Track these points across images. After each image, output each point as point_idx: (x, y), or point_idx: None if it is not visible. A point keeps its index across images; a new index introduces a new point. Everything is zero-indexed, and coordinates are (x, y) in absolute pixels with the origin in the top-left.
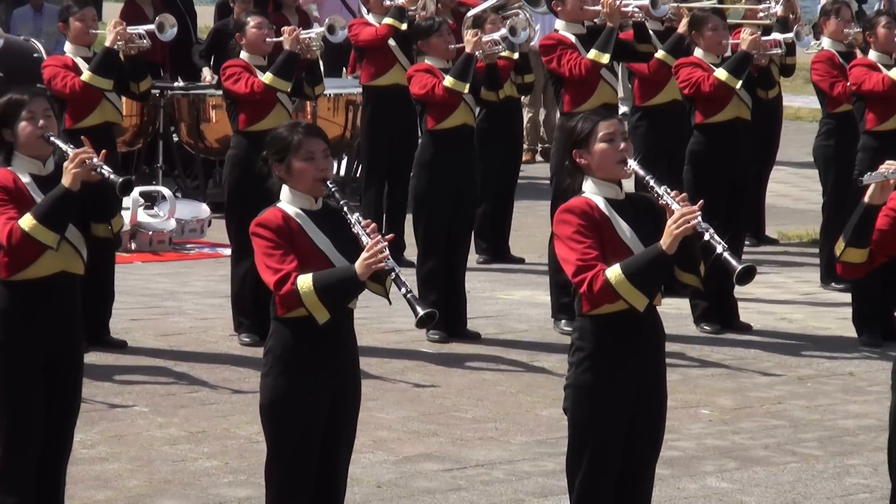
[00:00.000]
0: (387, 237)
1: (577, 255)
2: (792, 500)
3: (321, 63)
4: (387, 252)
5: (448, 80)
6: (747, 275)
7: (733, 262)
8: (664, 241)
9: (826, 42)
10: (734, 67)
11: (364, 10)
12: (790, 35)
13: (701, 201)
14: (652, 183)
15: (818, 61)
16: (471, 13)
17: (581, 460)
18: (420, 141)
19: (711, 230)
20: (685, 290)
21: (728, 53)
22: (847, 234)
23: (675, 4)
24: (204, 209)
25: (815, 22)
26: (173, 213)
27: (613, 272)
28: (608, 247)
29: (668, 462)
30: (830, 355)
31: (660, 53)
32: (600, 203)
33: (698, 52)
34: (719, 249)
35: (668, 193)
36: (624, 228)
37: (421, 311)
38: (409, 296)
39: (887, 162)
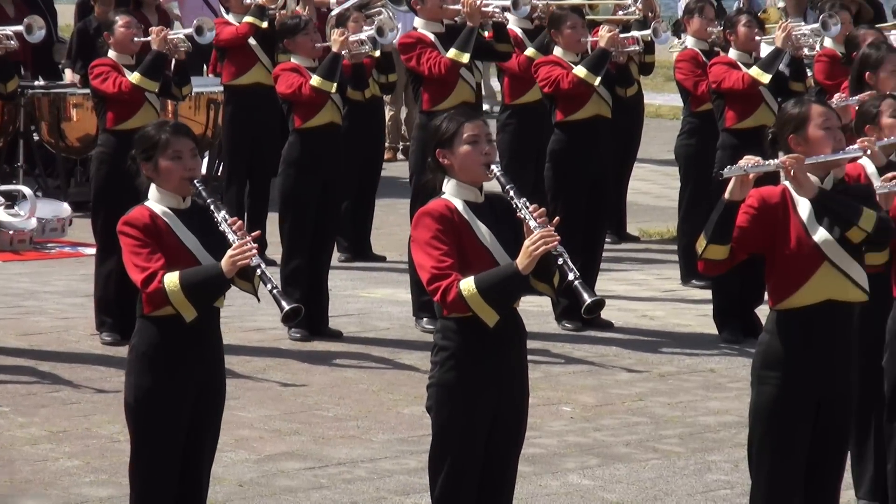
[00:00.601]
0: (253, 234)
1: (432, 261)
2: (653, 497)
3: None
4: (254, 249)
5: (315, 80)
6: (596, 307)
7: (584, 294)
8: (520, 261)
9: (689, 41)
10: (592, 65)
11: (223, 10)
12: (648, 33)
13: (557, 219)
14: (512, 194)
15: (682, 60)
16: (334, 11)
17: (444, 458)
18: (288, 140)
19: (566, 255)
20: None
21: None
22: (708, 230)
23: (539, 3)
24: (65, 208)
25: (676, 20)
26: (34, 212)
27: (467, 285)
28: (468, 250)
29: (530, 459)
30: (691, 352)
31: (529, 51)
32: (459, 206)
33: (558, 51)
34: (571, 277)
35: (527, 208)
36: (483, 232)
37: (287, 306)
38: (274, 291)
39: (746, 157)
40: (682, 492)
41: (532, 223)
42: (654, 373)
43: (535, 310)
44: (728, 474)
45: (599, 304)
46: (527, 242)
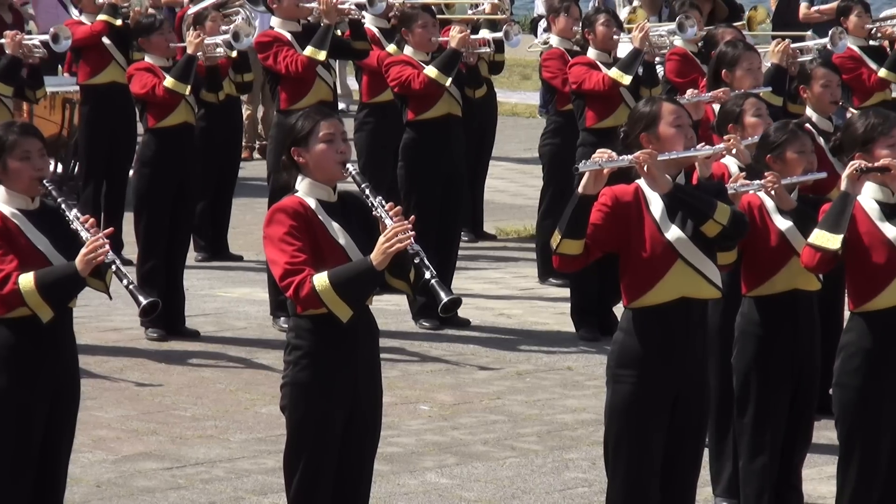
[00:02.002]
0: (106, 231)
1: (286, 257)
2: (511, 495)
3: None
4: (107, 247)
5: (169, 81)
6: (453, 306)
7: (441, 293)
8: (375, 257)
9: (554, 39)
10: (443, 65)
11: (74, 11)
12: (500, 35)
13: (413, 217)
14: (367, 192)
15: (549, 58)
16: (191, 10)
17: (299, 458)
18: (141, 139)
19: (422, 254)
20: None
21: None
22: (562, 225)
23: (395, 1)
24: None
25: (533, 18)
26: None
27: (320, 280)
28: (322, 249)
29: (388, 458)
30: (549, 350)
31: (391, 48)
32: (312, 204)
33: (408, 50)
34: (428, 276)
35: (383, 206)
36: (337, 230)
37: (144, 301)
38: (131, 287)
39: (600, 151)
40: (539, 490)
41: (388, 221)
42: (512, 371)
43: (393, 308)
44: (586, 472)
45: (456, 302)
46: (381, 239)
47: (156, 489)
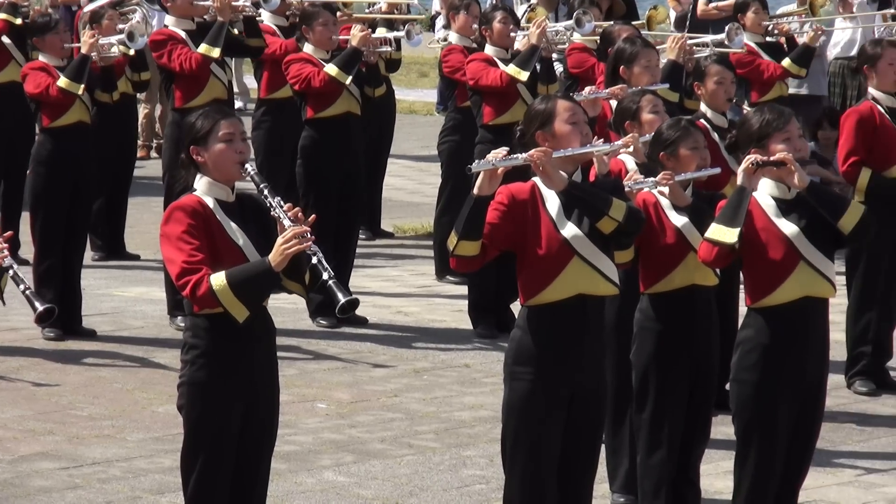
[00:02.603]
0: (5, 234)
1: (183, 256)
2: (409, 493)
3: None
4: (4, 250)
5: (62, 81)
6: (350, 307)
7: (338, 293)
8: (273, 258)
9: (453, 37)
10: (344, 63)
11: None
12: (401, 34)
13: (313, 216)
14: (266, 192)
15: (450, 53)
16: (87, 9)
17: (196, 457)
18: (36, 139)
19: (320, 255)
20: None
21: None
22: (458, 226)
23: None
24: None
25: (430, 16)
26: None
27: (218, 280)
28: (220, 249)
29: (285, 457)
30: (446, 347)
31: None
32: (210, 204)
33: (308, 48)
34: (325, 277)
35: (281, 207)
36: (234, 230)
37: (40, 307)
38: (27, 292)
39: (495, 151)
40: (437, 487)
41: (286, 222)
42: (409, 369)
43: (290, 307)
44: (483, 469)
45: (353, 303)
46: (280, 240)
47: (52, 489)
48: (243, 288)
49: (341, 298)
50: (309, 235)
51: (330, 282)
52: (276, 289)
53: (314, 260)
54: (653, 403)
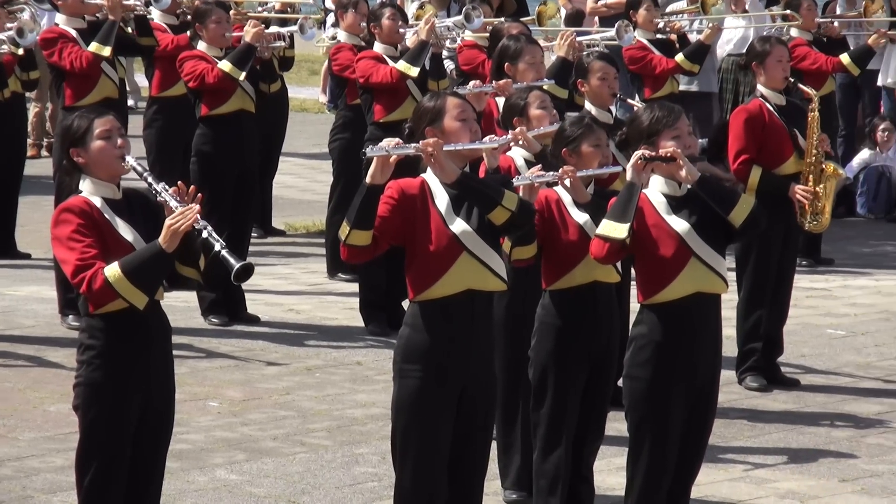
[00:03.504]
0: (198, 198)
1: (76, 254)
2: (301, 490)
3: None
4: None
5: None
6: (245, 273)
7: (231, 259)
8: (162, 239)
9: (342, 35)
10: (238, 60)
11: None
12: (294, 28)
13: (199, 195)
14: (150, 180)
15: (339, 51)
16: None
17: (91, 458)
18: None
19: (210, 228)
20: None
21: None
22: (351, 216)
23: None
24: None
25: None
26: None
27: (112, 270)
28: (110, 246)
29: (178, 455)
30: (338, 345)
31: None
32: (98, 203)
33: (202, 46)
34: (217, 247)
35: (167, 190)
36: (123, 227)
37: (237, 265)
38: (223, 252)
39: (388, 139)
40: (329, 485)
41: (173, 203)
42: (301, 366)
43: (181, 305)
44: (375, 467)
45: (248, 269)
46: (168, 220)
47: None
48: (138, 274)
49: (235, 264)
50: (197, 211)
51: (223, 252)
52: (170, 285)
53: (204, 234)
54: (552, 400)
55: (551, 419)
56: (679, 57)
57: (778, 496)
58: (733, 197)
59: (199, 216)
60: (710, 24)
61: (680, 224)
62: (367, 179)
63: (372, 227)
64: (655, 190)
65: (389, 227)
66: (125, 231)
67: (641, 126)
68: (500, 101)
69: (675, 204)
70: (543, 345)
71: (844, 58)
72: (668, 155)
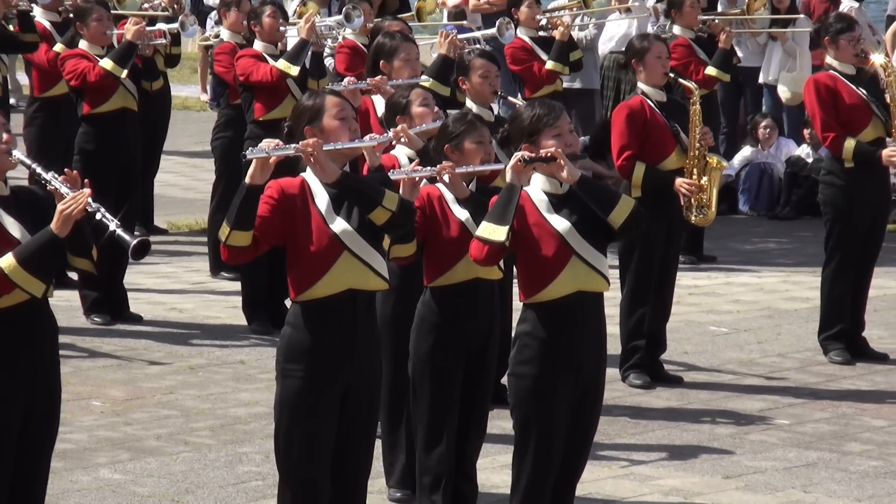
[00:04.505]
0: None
1: None
2: (185, 490)
3: None
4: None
5: None
6: (142, 248)
7: (126, 237)
8: (55, 224)
9: (225, 34)
10: (119, 57)
11: None
12: (175, 26)
13: (87, 181)
14: (39, 170)
15: (221, 53)
16: None
17: None
18: None
19: (103, 209)
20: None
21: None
22: (231, 216)
23: None
24: None
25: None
26: None
27: (6, 261)
28: (1, 243)
29: (61, 455)
30: (221, 344)
31: (58, 46)
32: None
33: (83, 44)
34: (112, 227)
35: (56, 178)
36: (10, 223)
37: (132, 241)
38: (118, 230)
39: (267, 140)
40: (213, 484)
41: (63, 190)
42: (184, 365)
43: (64, 304)
44: (259, 465)
45: (145, 244)
46: (60, 206)
47: None
48: (32, 262)
49: (132, 241)
50: (88, 195)
51: (118, 231)
52: (63, 274)
53: (98, 216)
54: (430, 397)
55: (431, 416)
56: (549, 63)
57: (661, 493)
58: (613, 198)
59: (90, 199)
60: (561, 23)
61: (561, 223)
62: (247, 180)
63: (252, 227)
64: (537, 188)
65: (270, 228)
66: (13, 227)
67: (522, 124)
68: (377, 99)
69: (557, 202)
70: (422, 341)
71: (710, 70)
72: (549, 155)
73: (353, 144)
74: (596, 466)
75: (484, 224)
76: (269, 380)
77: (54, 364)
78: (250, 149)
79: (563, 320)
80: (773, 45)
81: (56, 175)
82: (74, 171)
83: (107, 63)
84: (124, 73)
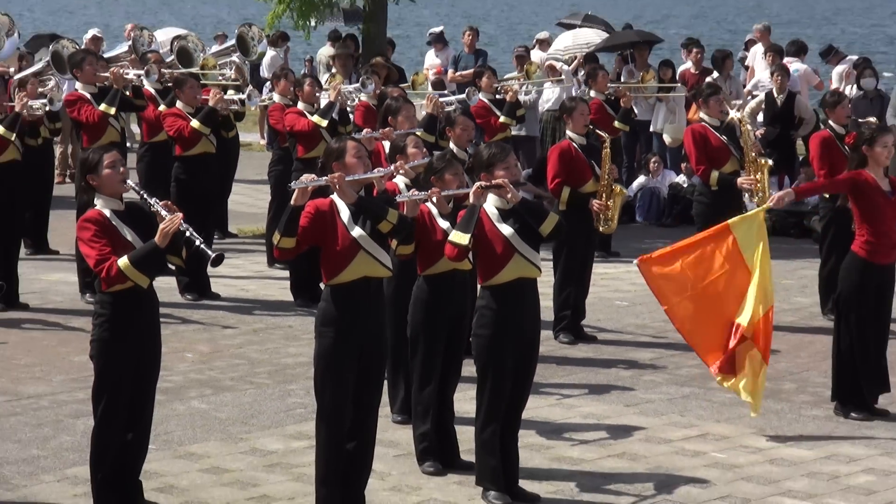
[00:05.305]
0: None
1: (96, 252)
2: (251, 415)
3: None
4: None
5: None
6: (218, 259)
7: (208, 251)
8: (157, 238)
9: (276, 97)
10: (205, 118)
11: None
12: (244, 96)
13: (178, 208)
14: (145, 196)
15: (274, 111)
16: (16, 77)
17: (102, 392)
18: None
19: (191, 229)
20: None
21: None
22: (281, 227)
23: (166, 72)
24: None
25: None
26: None
27: (123, 262)
28: (117, 244)
29: (163, 391)
30: (275, 314)
31: (162, 107)
32: (108, 213)
33: (180, 104)
34: (197, 242)
35: (158, 203)
36: (126, 231)
37: (212, 255)
38: (201, 245)
39: (306, 174)
40: (270, 411)
41: (163, 213)
42: (250, 329)
43: (166, 286)
44: (302, 398)
45: (220, 257)
46: (161, 225)
47: (1, 415)
48: (141, 263)
49: (211, 255)
50: (181, 218)
51: (201, 245)
52: (163, 270)
53: (188, 233)
54: (422, 353)
55: (423, 365)
56: (502, 118)
57: (581, 416)
58: (544, 214)
59: (182, 221)
60: (511, 89)
61: (507, 230)
62: (292, 202)
63: (296, 234)
64: (491, 204)
65: (308, 235)
66: (128, 234)
67: (482, 159)
68: (386, 143)
69: (504, 215)
70: (417, 313)
71: (616, 123)
72: (500, 183)
73: (367, 176)
74: (535, 398)
75: (454, 232)
76: (309, 339)
77: (156, 328)
78: (294, 182)
79: (509, 297)
80: (660, 105)
81: (158, 200)
82: (169, 202)
83: (195, 123)
84: (208, 131)
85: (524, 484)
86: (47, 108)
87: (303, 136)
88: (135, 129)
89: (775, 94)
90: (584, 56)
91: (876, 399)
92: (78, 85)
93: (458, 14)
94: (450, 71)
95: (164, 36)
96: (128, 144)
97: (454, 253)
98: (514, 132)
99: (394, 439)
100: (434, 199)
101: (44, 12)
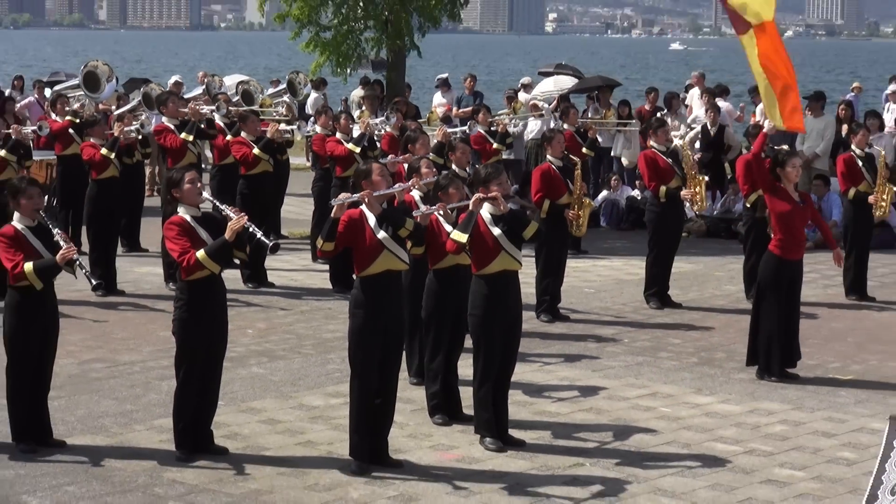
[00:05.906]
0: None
1: (178, 247)
2: (298, 378)
3: None
4: (74, 251)
5: (103, 150)
6: (275, 248)
7: (267, 241)
8: (227, 234)
9: (318, 129)
10: (265, 147)
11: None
12: (294, 127)
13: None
14: (217, 204)
15: (317, 140)
16: (116, 113)
17: (183, 361)
18: (89, 190)
19: (253, 226)
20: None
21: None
22: (323, 234)
23: (233, 109)
24: None
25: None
26: None
27: (201, 254)
28: (195, 241)
29: (230, 359)
30: (318, 298)
31: (230, 137)
32: (188, 218)
33: (243, 134)
34: (259, 235)
35: (228, 208)
36: (202, 231)
37: (94, 282)
38: (86, 273)
39: (343, 193)
40: (314, 374)
41: (231, 215)
42: (298, 310)
43: (232, 277)
44: (339, 365)
45: (277, 246)
46: (230, 224)
47: (102, 378)
48: (215, 255)
49: (269, 244)
50: (246, 218)
51: (261, 238)
52: (231, 262)
53: (251, 229)
54: (434, 330)
55: (434, 339)
56: (496, 144)
57: (558, 379)
58: (526, 221)
59: (246, 220)
60: (502, 122)
61: (496, 231)
62: (332, 214)
63: (334, 239)
64: (486, 210)
65: (343, 238)
66: (203, 233)
67: (480, 176)
68: (406, 165)
69: (496, 219)
70: (429, 299)
71: (584, 150)
72: (493, 196)
73: (389, 191)
74: (521, 365)
75: (455, 231)
76: (344, 319)
77: (224, 309)
78: (333, 199)
79: (496, 285)
80: (619, 135)
81: (227, 206)
82: (236, 208)
83: (257, 150)
84: (268, 158)
85: (513, 432)
86: (139, 135)
87: (340, 160)
88: (208, 153)
89: (709, 127)
90: (560, 97)
91: (789, 366)
92: (164, 118)
93: (460, 64)
94: (454, 108)
95: (230, 81)
96: (202, 166)
97: (454, 248)
98: (504, 156)
99: (410, 397)
100: (441, 211)
101: (130, 60)
